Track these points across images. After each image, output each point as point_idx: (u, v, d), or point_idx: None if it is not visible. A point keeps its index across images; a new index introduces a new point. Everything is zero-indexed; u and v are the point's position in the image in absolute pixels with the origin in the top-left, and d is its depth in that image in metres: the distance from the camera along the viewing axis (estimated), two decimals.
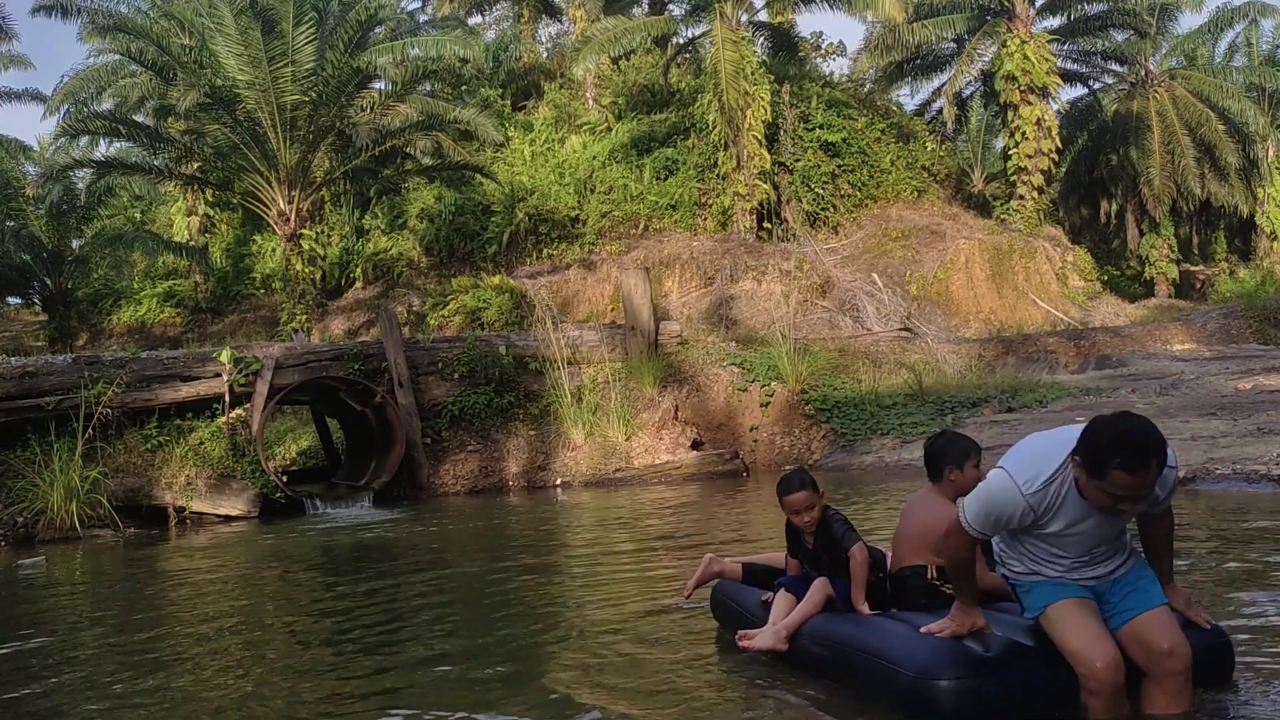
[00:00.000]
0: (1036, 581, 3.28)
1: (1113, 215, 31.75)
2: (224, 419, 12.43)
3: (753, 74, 22.00)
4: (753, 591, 4.46)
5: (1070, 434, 3.11)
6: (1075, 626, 3.11)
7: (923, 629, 3.40)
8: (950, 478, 3.97)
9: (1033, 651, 3.18)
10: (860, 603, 3.92)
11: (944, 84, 27.38)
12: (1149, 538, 3.43)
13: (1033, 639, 3.24)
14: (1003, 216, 24.89)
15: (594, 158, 24.26)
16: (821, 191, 23.32)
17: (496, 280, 21.03)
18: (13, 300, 27.22)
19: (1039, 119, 24.18)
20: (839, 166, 23.57)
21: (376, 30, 22.56)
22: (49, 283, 23.50)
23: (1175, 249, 29.65)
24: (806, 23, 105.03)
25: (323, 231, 23.57)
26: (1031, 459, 3.18)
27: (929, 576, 3.88)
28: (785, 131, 23.13)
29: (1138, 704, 3.13)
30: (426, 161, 22.85)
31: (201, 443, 12.21)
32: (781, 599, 4.16)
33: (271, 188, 19.53)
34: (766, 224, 22.87)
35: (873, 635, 3.56)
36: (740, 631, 4.20)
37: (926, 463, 4.10)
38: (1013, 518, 3.16)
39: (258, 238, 25.40)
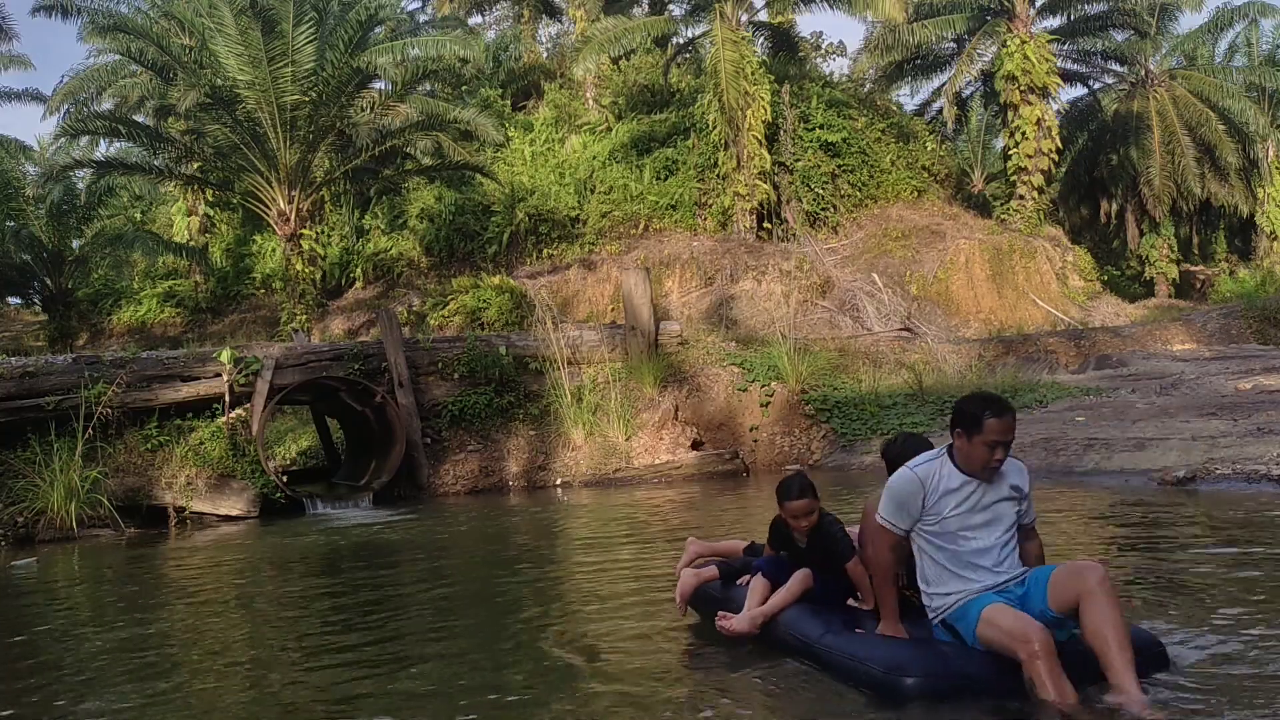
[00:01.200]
0: (967, 601, 3.66)
1: (1113, 215, 31.74)
2: (224, 419, 12.42)
3: (753, 74, 22.00)
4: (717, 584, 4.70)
5: (935, 452, 3.83)
6: (1007, 615, 3.50)
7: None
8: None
9: (980, 655, 3.57)
10: (869, 599, 4.09)
11: (944, 84, 27.38)
12: (1027, 555, 3.85)
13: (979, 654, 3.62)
14: (1003, 216, 24.89)
15: (594, 158, 24.26)
16: (821, 191, 23.32)
17: (496, 280, 21.02)
18: (13, 300, 27.25)
19: (1039, 119, 24.17)
20: (839, 166, 23.57)
21: (376, 30, 22.56)
22: (49, 283, 23.51)
23: (1175, 249, 29.65)
24: (806, 23, 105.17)
25: (323, 231, 23.58)
26: (916, 459, 3.86)
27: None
28: (785, 131, 23.13)
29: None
30: (426, 161, 22.84)
31: (201, 443, 12.20)
32: (758, 583, 4.32)
33: (271, 188, 19.53)
34: (766, 224, 22.87)
35: (846, 633, 3.91)
36: (721, 612, 4.38)
37: (887, 465, 4.23)
38: (913, 496, 3.72)
39: (258, 238, 25.40)
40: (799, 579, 4.23)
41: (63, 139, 25.56)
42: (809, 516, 4.25)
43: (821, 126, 23.60)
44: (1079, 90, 30.39)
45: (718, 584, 4.75)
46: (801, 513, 4.25)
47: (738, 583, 4.60)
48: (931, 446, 4.10)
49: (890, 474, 4.14)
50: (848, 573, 4.18)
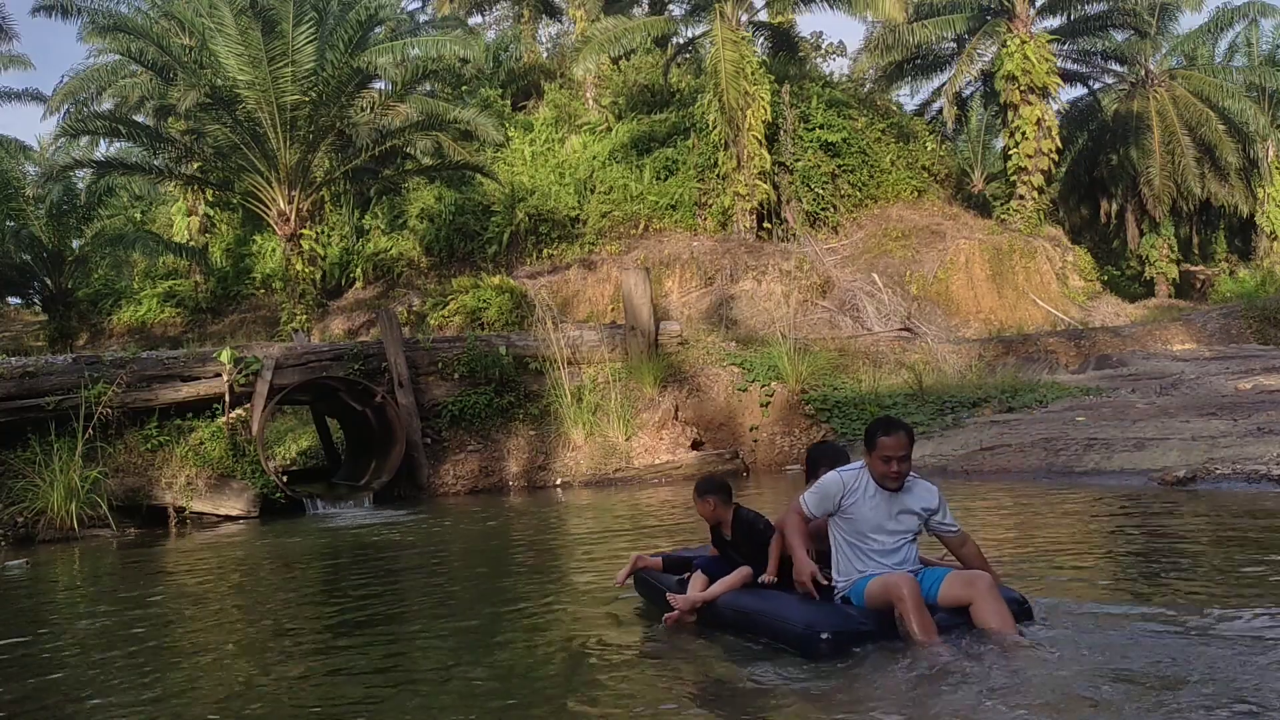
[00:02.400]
0: (859, 579, 4.44)
1: (1113, 215, 31.74)
2: (224, 419, 12.42)
3: (753, 74, 21.99)
4: (669, 577, 5.35)
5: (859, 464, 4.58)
6: (882, 579, 4.29)
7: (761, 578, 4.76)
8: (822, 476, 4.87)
9: (872, 613, 4.35)
10: (772, 578, 4.79)
11: (944, 84, 27.38)
12: (965, 560, 4.60)
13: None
14: (1003, 216, 24.89)
15: (594, 158, 24.26)
16: (821, 191, 23.32)
17: (496, 280, 21.02)
18: (13, 300, 27.24)
19: (1039, 119, 24.17)
20: (839, 166, 23.56)
21: (376, 30, 22.55)
22: (49, 283, 23.51)
23: (1175, 249, 29.64)
24: (806, 23, 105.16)
25: (323, 231, 23.57)
26: (846, 467, 4.63)
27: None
28: (785, 131, 23.13)
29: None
30: (426, 161, 22.84)
31: (201, 443, 12.20)
32: (697, 578, 5.06)
33: (271, 188, 19.52)
34: (766, 224, 22.87)
35: (772, 602, 4.60)
36: (669, 594, 5.03)
37: (807, 463, 5.19)
38: (834, 495, 4.49)
39: (258, 238, 25.40)
40: (740, 572, 4.89)
41: (63, 139, 25.59)
42: (715, 510, 5.10)
43: (821, 126, 23.60)
44: (1079, 90, 30.45)
45: (659, 573, 5.44)
46: (707, 511, 5.14)
47: (683, 576, 5.24)
48: (844, 453, 4.97)
49: (808, 470, 5.10)
50: (770, 549, 4.85)
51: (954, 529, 4.59)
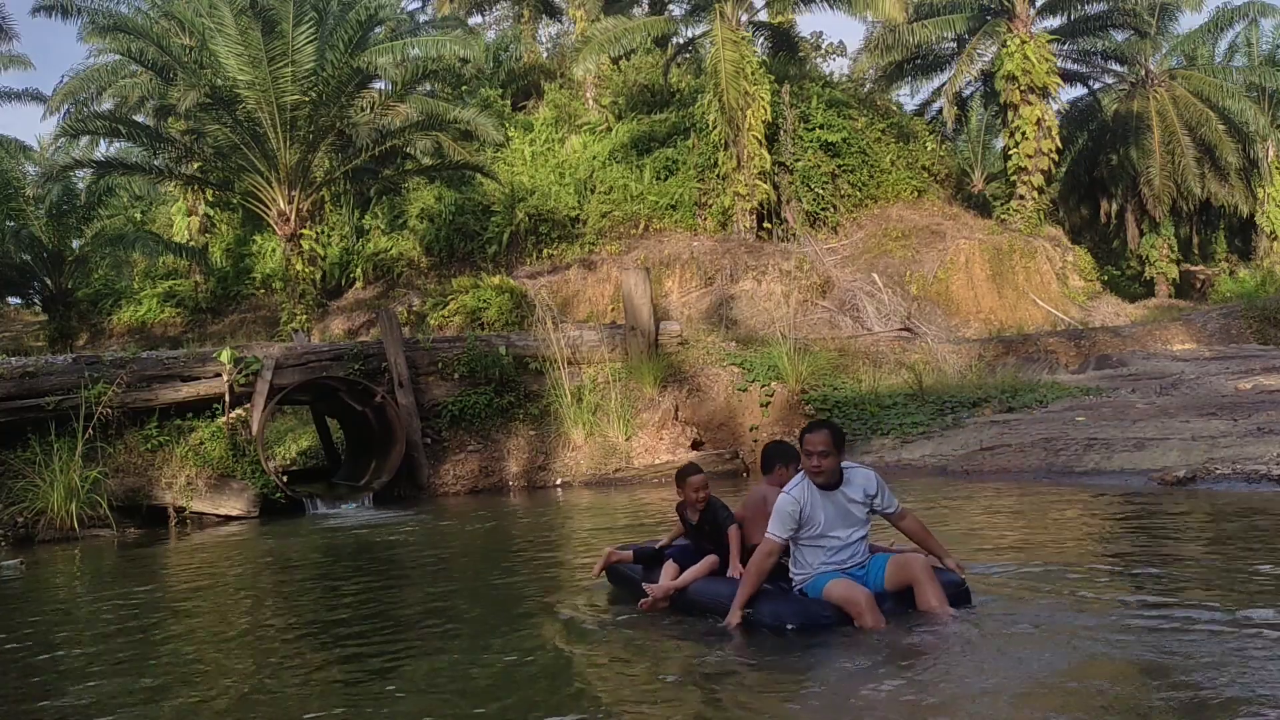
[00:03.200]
0: (818, 576, 4.83)
1: (1113, 215, 31.75)
2: (224, 419, 12.42)
3: (753, 74, 21.99)
4: (638, 567, 5.85)
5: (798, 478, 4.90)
6: (843, 586, 4.69)
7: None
8: (778, 473, 5.28)
9: (829, 605, 4.73)
10: (736, 567, 5.19)
11: (944, 84, 27.38)
12: (908, 533, 5.05)
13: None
14: (1003, 216, 24.89)
15: (594, 158, 24.26)
16: (821, 191, 23.32)
17: (496, 280, 21.02)
18: (13, 300, 27.24)
19: (1039, 119, 24.17)
20: (839, 166, 23.56)
21: (376, 30, 22.55)
22: (49, 283, 23.50)
23: (1175, 249, 29.64)
24: (806, 23, 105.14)
25: (323, 231, 23.56)
26: (789, 485, 4.91)
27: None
28: (785, 131, 23.13)
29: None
30: (426, 161, 22.84)
31: (201, 443, 12.20)
32: (668, 567, 5.51)
33: (271, 188, 19.52)
34: (766, 224, 22.87)
35: (733, 589, 4.97)
36: (645, 584, 5.44)
37: (762, 461, 5.53)
38: (795, 513, 4.77)
39: (258, 238, 25.40)
40: (706, 561, 5.34)
41: (63, 139, 25.59)
42: (701, 491, 5.51)
43: (821, 126, 23.60)
44: (1079, 90, 30.45)
45: (632, 565, 5.89)
46: (700, 486, 5.54)
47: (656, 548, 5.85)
48: (795, 452, 5.13)
49: (764, 467, 5.47)
50: (728, 537, 5.31)
51: (893, 508, 4.95)
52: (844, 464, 4.88)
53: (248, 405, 12.65)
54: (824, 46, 32.31)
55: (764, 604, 4.81)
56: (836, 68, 33.08)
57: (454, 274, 22.93)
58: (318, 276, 21.94)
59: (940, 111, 28.09)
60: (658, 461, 13.50)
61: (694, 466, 5.86)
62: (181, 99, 18.11)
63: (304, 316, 19.86)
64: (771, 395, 14.52)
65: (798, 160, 23.19)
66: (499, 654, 4.79)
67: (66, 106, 25.46)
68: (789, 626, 4.67)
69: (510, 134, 25.21)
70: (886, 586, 4.77)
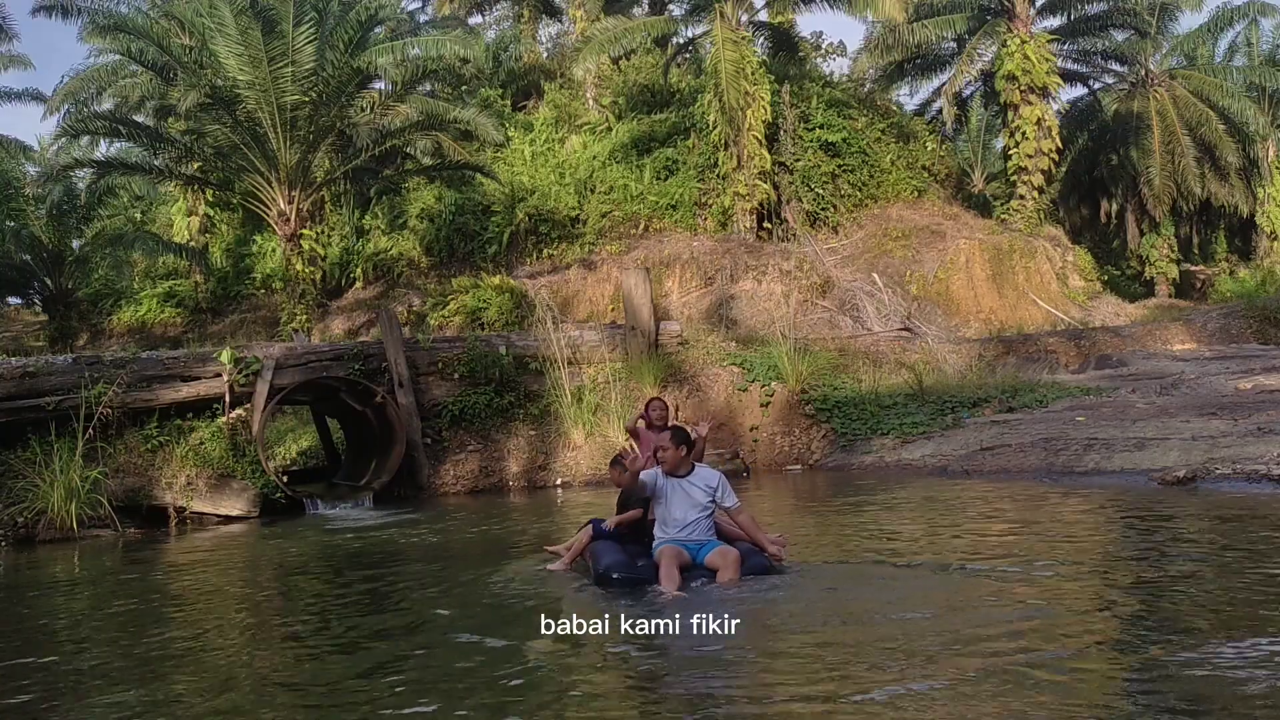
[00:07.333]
0: (660, 542, 6.04)
1: (1113, 215, 31.76)
2: (224, 419, 12.42)
3: (753, 74, 21.99)
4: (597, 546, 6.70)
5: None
6: (670, 553, 5.86)
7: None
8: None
9: (650, 567, 5.99)
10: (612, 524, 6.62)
11: (944, 84, 27.36)
12: (740, 525, 6.17)
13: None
14: (1003, 216, 24.90)
15: (594, 158, 24.26)
16: (821, 191, 23.32)
17: (497, 280, 21.02)
18: (13, 300, 27.21)
19: (1039, 119, 24.18)
20: (839, 166, 23.56)
21: (376, 30, 22.55)
22: (49, 283, 23.50)
23: (1175, 249, 29.65)
24: (806, 23, 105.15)
25: (323, 231, 23.56)
26: (645, 473, 6.18)
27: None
28: (785, 131, 23.13)
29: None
30: (426, 161, 22.84)
31: (202, 443, 12.20)
32: (585, 531, 6.79)
33: (271, 188, 19.52)
34: (766, 224, 22.87)
35: (607, 553, 6.27)
36: (594, 524, 6.83)
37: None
38: (650, 483, 6.10)
39: (258, 238, 25.40)
40: (633, 513, 6.53)
41: (63, 139, 25.61)
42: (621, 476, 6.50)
43: (821, 126, 23.60)
44: (1079, 90, 30.45)
45: (591, 546, 6.69)
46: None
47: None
48: (687, 434, 6.30)
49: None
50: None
51: (731, 504, 6.13)
52: (698, 465, 6.22)
53: (248, 405, 12.66)
54: (824, 46, 32.29)
55: (607, 557, 6.15)
56: (836, 68, 33.07)
57: (454, 274, 22.93)
58: (318, 276, 21.93)
59: (940, 111, 28.07)
60: None
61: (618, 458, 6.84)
62: (181, 99, 18.12)
63: (304, 316, 19.86)
64: (771, 395, 14.53)
65: (798, 160, 23.19)
66: (499, 654, 4.79)
67: (67, 106, 25.46)
68: (614, 576, 5.93)
69: (510, 134, 25.21)
70: (706, 564, 5.93)
